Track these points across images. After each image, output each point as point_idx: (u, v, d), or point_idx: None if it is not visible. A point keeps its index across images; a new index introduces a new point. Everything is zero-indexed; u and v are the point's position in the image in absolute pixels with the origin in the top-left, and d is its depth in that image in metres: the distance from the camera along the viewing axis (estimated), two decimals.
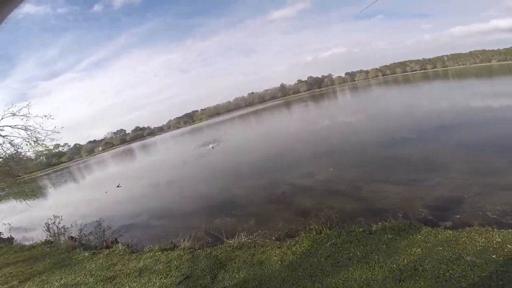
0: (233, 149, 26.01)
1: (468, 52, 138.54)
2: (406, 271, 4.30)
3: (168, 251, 7.33)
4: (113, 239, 9.69)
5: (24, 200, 14.05)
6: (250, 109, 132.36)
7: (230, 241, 7.64)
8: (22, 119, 11.00)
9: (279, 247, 6.24)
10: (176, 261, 6.54)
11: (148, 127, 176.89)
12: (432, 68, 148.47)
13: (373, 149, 14.48)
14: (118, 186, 23.20)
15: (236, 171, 16.88)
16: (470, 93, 30.89)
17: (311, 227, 7.08)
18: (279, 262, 5.44)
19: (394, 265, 4.49)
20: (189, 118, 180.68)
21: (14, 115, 10.96)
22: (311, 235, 6.50)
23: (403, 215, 7.34)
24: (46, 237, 10.89)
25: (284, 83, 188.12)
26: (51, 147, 12.85)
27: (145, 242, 9.05)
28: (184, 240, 7.67)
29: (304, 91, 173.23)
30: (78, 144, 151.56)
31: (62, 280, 6.78)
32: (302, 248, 5.93)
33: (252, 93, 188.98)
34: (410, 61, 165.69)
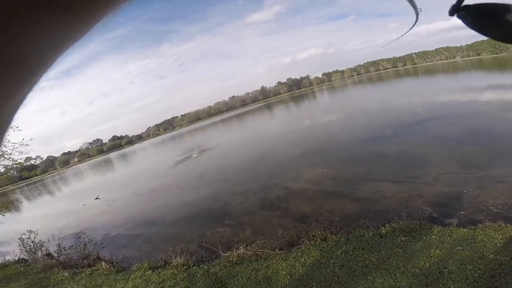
0: (218, 155, 25.08)
1: (434, 49, 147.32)
2: (431, 274, 3.98)
3: (159, 269, 6.61)
4: (95, 256, 8.79)
5: None
6: (232, 113, 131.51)
7: (227, 254, 7.07)
8: None
9: (285, 259, 5.74)
10: (170, 281, 5.85)
11: (126, 135, 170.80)
12: (403, 66, 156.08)
13: (361, 147, 14.45)
14: (96, 198, 21.67)
15: (223, 178, 16.07)
16: (440, 88, 32.16)
17: (314, 233, 6.70)
18: (288, 277, 4.95)
19: (417, 270, 4.15)
20: (169, 125, 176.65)
21: None
22: (317, 243, 6.08)
23: (407, 214, 7.12)
24: (20, 254, 9.87)
25: (265, 86, 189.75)
26: (21, 161, 11.81)
27: (132, 258, 8.22)
28: (175, 256, 6.98)
29: (284, 93, 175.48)
30: (52, 156, 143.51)
31: None
32: (311, 258, 5.47)
33: (233, 97, 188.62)
34: (382, 60, 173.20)
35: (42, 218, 21.33)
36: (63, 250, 8.98)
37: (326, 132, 21.53)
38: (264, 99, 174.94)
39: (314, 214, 8.14)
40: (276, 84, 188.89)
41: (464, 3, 0.64)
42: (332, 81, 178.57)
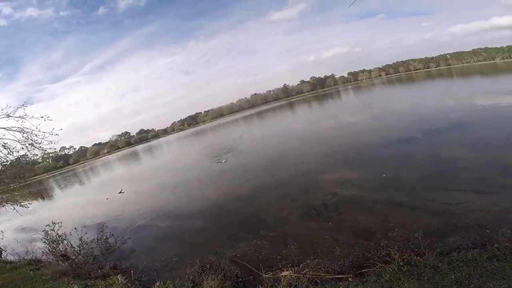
0: (245, 153, 23.07)
1: (471, 50, 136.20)
2: None
3: None
4: (112, 265, 7.67)
5: (15, 206, 12.49)
6: (253, 110, 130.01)
7: (269, 275, 5.53)
8: (17, 121, 10.29)
9: None
10: None
11: (153, 129, 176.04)
12: (435, 67, 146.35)
13: (421, 149, 12.07)
14: (120, 192, 21.16)
15: (254, 178, 14.22)
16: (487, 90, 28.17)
17: (390, 254, 4.98)
18: None
19: None
20: (193, 120, 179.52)
21: (9, 116, 10.25)
22: (403, 269, 4.45)
23: None
24: (32, 254, 9.55)
25: (287, 84, 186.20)
26: (50, 150, 11.63)
27: (153, 270, 6.96)
28: (206, 276, 5.53)
29: (307, 92, 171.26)
30: (84, 147, 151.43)
31: None
32: None
33: (255, 94, 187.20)
34: (413, 60, 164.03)
35: (69, 209, 21.31)
36: (84, 244, 8.32)
37: (372, 132, 18.65)
38: (286, 97, 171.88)
39: (380, 229, 6.35)
40: (299, 83, 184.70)
41: None
42: (358, 80, 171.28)
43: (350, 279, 4.78)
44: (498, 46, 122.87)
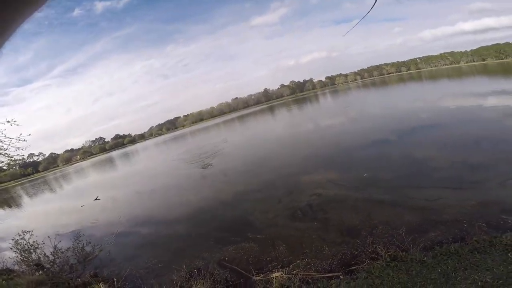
0: (227, 157, 23.14)
1: (438, 54, 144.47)
2: None
3: None
4: (92, 273, 7.30)
5: None
6: (234, 115, 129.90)
7: (260, 277, 5.50)
8: None
9: None
10: None
11: (129, 134, 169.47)
12: (406, 71, 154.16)
13: (397, 150, 12.73)
14: (96, 199, 20.10)
15: (236, 182, 14.23)
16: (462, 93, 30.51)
17: (377, 251, 5.16)
18: None
19: None
20: (172, 125, 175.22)
21: None
22: (391, 264, 4.62)
23: (487, 225, 5.76)
24: (3, 264, 9.03)
25: (268, 88, 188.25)
26: (17, 157, 10.66)
27: (137, 278, 6.69)
28: (194, 281, 5.39)
29: (287, 96, 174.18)
30: (54, 154, 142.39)
31: None
32: (397, 285, 4.00)
33: (236, 98, 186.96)
34: (386, 64, 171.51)
35: (40, 217, 19.94)
36: (59, 252, 8.04)
37: (345, 135, 19.50)
38: (266, 101, 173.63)
39: (365, 227, 6.55)
40: (279, 87, 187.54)
41: None
42: (335, 84, 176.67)
43: (341, 276, 4.87)
44: (463, 50, 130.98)
